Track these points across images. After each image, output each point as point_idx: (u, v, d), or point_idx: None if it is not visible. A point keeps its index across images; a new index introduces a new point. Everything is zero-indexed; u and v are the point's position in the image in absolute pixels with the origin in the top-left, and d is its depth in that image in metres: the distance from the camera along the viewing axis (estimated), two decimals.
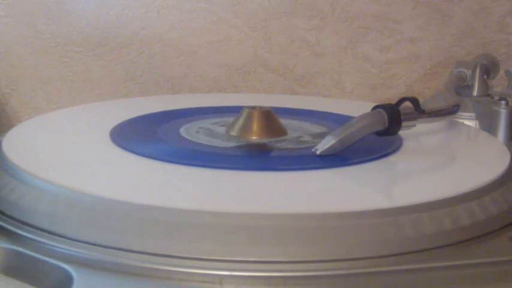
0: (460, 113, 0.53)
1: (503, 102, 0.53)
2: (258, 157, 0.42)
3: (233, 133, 0.44)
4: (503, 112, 0.53)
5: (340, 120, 0.47)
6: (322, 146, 0.40)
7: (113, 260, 0.29)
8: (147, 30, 0.70)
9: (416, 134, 0.45)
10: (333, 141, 0.40)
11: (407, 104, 0.43)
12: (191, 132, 0.46)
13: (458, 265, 0.30)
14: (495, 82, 0.63)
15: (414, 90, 0.71)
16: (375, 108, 0.42)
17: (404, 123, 0.42)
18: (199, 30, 0.70)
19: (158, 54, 0.71)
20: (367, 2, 0.70)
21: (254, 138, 0.44)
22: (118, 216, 0.31)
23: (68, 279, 0.29)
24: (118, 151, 0.41)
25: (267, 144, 0.43)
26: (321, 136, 0.42)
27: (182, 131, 0.46)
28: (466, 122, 0.54)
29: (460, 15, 0.70)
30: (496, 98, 0.55)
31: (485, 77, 0.58)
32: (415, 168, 0.40)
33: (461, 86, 0.58)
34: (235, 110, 0.47)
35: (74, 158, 0.40)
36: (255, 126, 0.44)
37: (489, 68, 0.59)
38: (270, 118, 0.45)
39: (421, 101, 0.45)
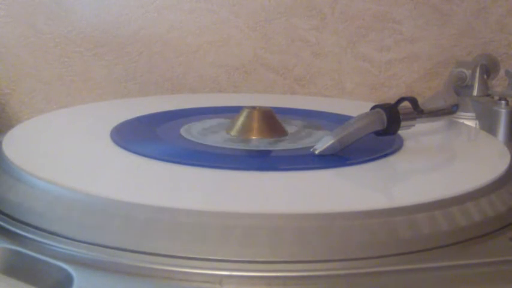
0: (460, 113, 0.53)
1: (503, 102, 0.53)
2: (258, 157, 0.42)
3: (233, 133, 0.44)
4: (503, 112, 0.53)
5: (340, 120, 0.47)
6: (321, 145, 0.40)
7: (113, 260, 0.29)
8: (147, 30, 0.70)
9: (416, 134, 0.45)
10: (332, 141, 0.40)
11: (407, 103, 0.43)
12: (191, 132, 0.46)
13: (458, 265, 0.30)
14: (495, 82, 0.63)
15: (414, 90, 0.71)
16: (373, 108, 0.42)
17: (403, 123, 0.42)
18: (199, 30, 0.70)
19: (158, 54, 0.71)
20: (367, 2, 0.70)
21: (254, 138, 0.44)
22: (118, 216, 0.31)
23: (68, 279, 0.29)
24: (118, 151, 0.41)
25: (267, 144, 0.43)
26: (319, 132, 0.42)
27: (182, 131, 0.46)
28: (466, 122, 0.54)
29: (460, 15, 0.70)
30: (496, 98, 0.55)
31: (485, 77, 0.58)
32: (415, 168, 0.40)
33: (461, 86, 0.58)
34: (235, 110, 0.47)
35: (74, 158, 0.40)
36: (255, 126, 0.44)
37: (489, 68, 0.59)
38: (270, 118, 0.45)
39: (421, 101, 0.44)
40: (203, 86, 0.72)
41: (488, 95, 0.58)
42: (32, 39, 0.69)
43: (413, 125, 0.43)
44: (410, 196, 0.34)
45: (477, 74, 0.58)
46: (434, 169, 0.41)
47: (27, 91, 0.70)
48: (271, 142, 0.43)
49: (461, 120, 0.54)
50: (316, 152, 0.40)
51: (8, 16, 0.69)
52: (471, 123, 0.55)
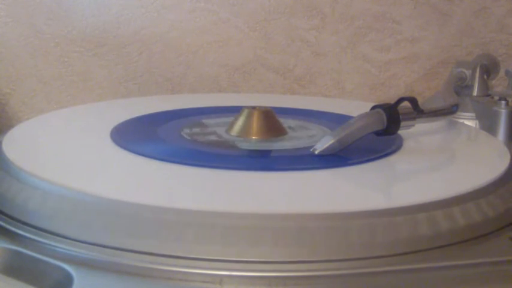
0: (460, 113, 0.53)
1: (503, 102, 0.53)
2: (258, 157, 0.42)
3: (233, 133, 0.44)
4: (503, 112, 0.53)
5: (340, 120, 0.47)
6: (321, 145, 0.40)
7: (113, 260, 0.29)
8: (147, 30, 0.70)
9: (416, 134, 0.45)
10: (332, 141, 0.40)
11: (407, 103, 0.43)
12: (191, 132, 0.46)
13: (458, 265, 0.30)
14: (495, 82, 0.63)
15: (414, 90, 0.72)
16: (373, 108, 0.42)
17: (403, 123, 0.42)
18: (199, 30, 0.70)
19: (158, 54, 0.71)
20: (367, 2, 0.70)
21: (254, 138, 0.44)
22: (118, 216, 0.31)
23: (68, 279, 0.29)
24: (118, 151, 0.41)
25: (267, 144, 0.43)
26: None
27: (182, 131, 0.46)
28: (466, 122, 0.54)
29: (460, 15, 0.70)
30: (496, 98, 0.55)
31: (485, 77, 0.59)
32: (415, 168, 0.40)
33: (461, 86, 0.58)
34: (235, 110, 0.47)
35: (74, 158, 0.40)
36: (255, 126, 0.44)
37: (489, 68, 0.59)
38: (270, 118, 0.45)
39: (421, 101, 0.44)
40: (203, 86, 0.72)
41: (488, 95, 0.58)
42: (32, 39, 0.69)
43: (413, 125, 0.43)
44: (410, 196, 0.34)
45: (477, 74, 0.58)
46: (434, 169, 0.41)
47: (27, 91, 0.70)
48: (271, 142, 0.43)
49: (461, 120, 0.54)
50: (316, 152, 0.40)
51: (8, 16, 0.69)
52: (471, 123, 0.55)
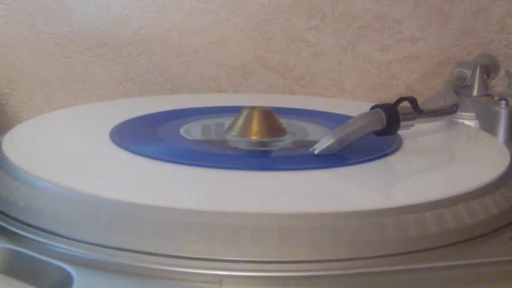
0: (460, 113, 0.53)
1: (503, 102, 0.53)
2: (258, 157, 0.42)
3: (233, 133, 0.44)
4: (503, 112, 0.53)
5: (340, 120, 0.47)
6: (320, 145, 0.40)
7: (113, 260, 0.29)
8: (147, 30, 0.70)
9: (416, 134, 0.45)
10: (331, 141, 0.40)
11: (407, 103, 0.43)
12: (191, 132, 0.46)
13: (458, 265, 0.30)
14: (495, 82, 0.63)
15: (414, 90, 0.71)
16: (373, 108, 0.42)
17: (402, 123, 0.42)
18: (199, 30, 0.70)
19: (158, 54, 0.71)
20: (367, 2, 0.70)
21: (254, 138, 0.44)
22: (118, 216, 0.31)
23: (68, 279, 0.29)
24: (118, 151, 0.41)
25: (267, 144, 0.43)
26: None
27: (182, 131, 0.46)
28: (466, 122, 0.54)
29: (460, 15, 0.70)
30: (496, 98, 0.55)
31: (485, 77, 0.59)
32: (415, 168, 0.41)
33: (461, 86, 0.58)
34: (235, 110, 0.47)
35: (74, 158, 0.40)
36: (255, 126, 0.44)
37: (489, 68, 0.59)
38: (270, 118, 0.45)
39: (421, 101, 0.44)
40: (203, 86, 0.72)
41: (488, 95, 0.58)
42: (32, 39, 0.69)
43: (413, 125, 0.43)
44: (409, 196, 0.34)
45: (477, 74, 0.58)
46: (433, 169, 0.41)
47: (27, 91, 0.70)
48: (271, 142, 0.43)
49: (461, 120, 0.54)
50: (316, 152, 0.40)
51: (8, 16, 0.69)
52: (471, 123, 0.55)
